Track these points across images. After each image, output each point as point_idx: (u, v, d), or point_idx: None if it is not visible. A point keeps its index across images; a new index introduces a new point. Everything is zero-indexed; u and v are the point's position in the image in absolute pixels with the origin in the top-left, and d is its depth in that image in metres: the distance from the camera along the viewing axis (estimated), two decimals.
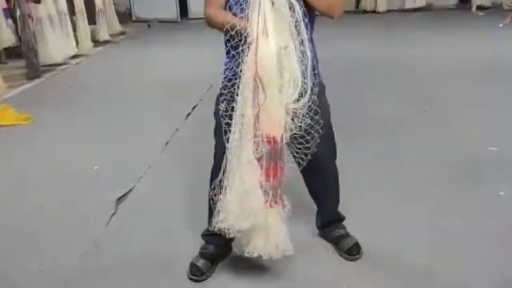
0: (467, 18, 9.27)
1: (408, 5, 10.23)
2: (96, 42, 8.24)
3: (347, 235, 2.54)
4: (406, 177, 3.28)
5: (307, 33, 1.98)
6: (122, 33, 9.32)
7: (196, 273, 2.37)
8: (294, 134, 2.07)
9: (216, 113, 2.24)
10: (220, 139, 2.18)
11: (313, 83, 2.03)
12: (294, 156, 2.17)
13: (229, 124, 2.07)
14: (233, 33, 1.96)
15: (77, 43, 7.54)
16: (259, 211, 2.05)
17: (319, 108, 2.17)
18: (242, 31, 1.94)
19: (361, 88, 5.29)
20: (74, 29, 7.53)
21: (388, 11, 10.19)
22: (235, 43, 1.98)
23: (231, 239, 2.47)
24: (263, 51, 1.92)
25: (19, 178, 3.58)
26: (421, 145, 3.78)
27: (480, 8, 9.77)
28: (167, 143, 4.03)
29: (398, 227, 2.71)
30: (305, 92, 2.00)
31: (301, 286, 2.33)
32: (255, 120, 1.98)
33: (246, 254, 2.18)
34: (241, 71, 1.99)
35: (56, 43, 6.86)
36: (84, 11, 7.81)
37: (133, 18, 10.56)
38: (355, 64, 6.27)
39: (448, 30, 8.18)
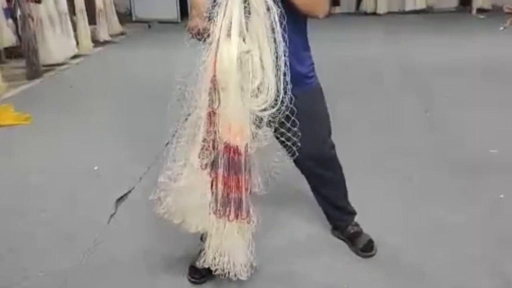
0: (468, 20, 9.28)
1: (409, 7, 10.24)
2: (96, 42, 8.25)
3: (361, 232, 2.56)
4: (406, 178, 3.28)
5: (283, 36, 1.88)
6: (122, 34, 9.32)
7: (195, 275, 2.36)
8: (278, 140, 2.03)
9: None
10: None
11: (287, 90, 1.91)
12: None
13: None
14: (193, 32, 1.92)
15: (77, 43, 7.55)
16: (202, 217, 2.00)
17: (315, 108, 2.17)
18: (202, 32, 1.88)
19: (361, 89, 5.29)
20: (75, 29, 7.54)
21: (389, 13, 10.19)
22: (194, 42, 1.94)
23: None
24: (224, 54, 1.83)
25: (18, 178, 3.57)
26: (421, 147, 3.78)
27: (480, 11, 9.77)
28: (167, 143, 4.02)
29: (399, 228, 2.72)
30: (279, 98, 1.90)
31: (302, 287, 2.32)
32: (206, 124, 1.91)
33: (197, 264, 2.14)
34: (198, 70, 1.91)
35: (56, 43, 6.86)
36: (85, 11, 7.81)
37: (133, 19, 10.56)
38: (355, 65, 6.27)
39: (448, 32, 8.18)
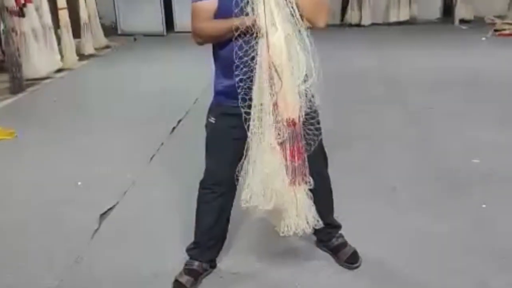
0: (450, 31, 9.38)
1: (393, 18, 10.34)
2: (81, 56, 8.20)
3: (345, 244, 2.58)
4: (390, 190, 3.30)
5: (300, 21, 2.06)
6: (108, 47, 9.28)
7: None
8: (307, 114, 2.16)
9: (207, 126, 2.30)
10: (213, 151, 2.24)
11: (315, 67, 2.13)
12: (306, 138, 2.22)
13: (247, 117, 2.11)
14: (242, 29, 2.01)
15: (62, 57, 7.48)
16: (283, 192, 2.12)
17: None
18: (252, 26, 2.00)
19: (344, 101, 5.31)
20: (59, 43, 7.48)
21: (373, 24, 10.29)
22: (247, 39, 2.03)
23: (216, 254, 2.48)
24: (274, 41, 2.00)
25: (1, 193, 3.53)
26: (404, 158, 3.81)
27: (463, 21, 9.88)
28: (152, 157, 4.01)
29: (383, 238, 2.74)
30: (311, 72, 2.11)
31: None
32: (274, 108, 2.06)
33: (281, 234, 2.23)
34: (255, 62, 2.04)
35: (40, 57, 6.80)
36: (69, 25, 7.76)
37: (119, 32, 10.53)
38: (339, 77, 6.30)
39: (431, 43, 8.27)
